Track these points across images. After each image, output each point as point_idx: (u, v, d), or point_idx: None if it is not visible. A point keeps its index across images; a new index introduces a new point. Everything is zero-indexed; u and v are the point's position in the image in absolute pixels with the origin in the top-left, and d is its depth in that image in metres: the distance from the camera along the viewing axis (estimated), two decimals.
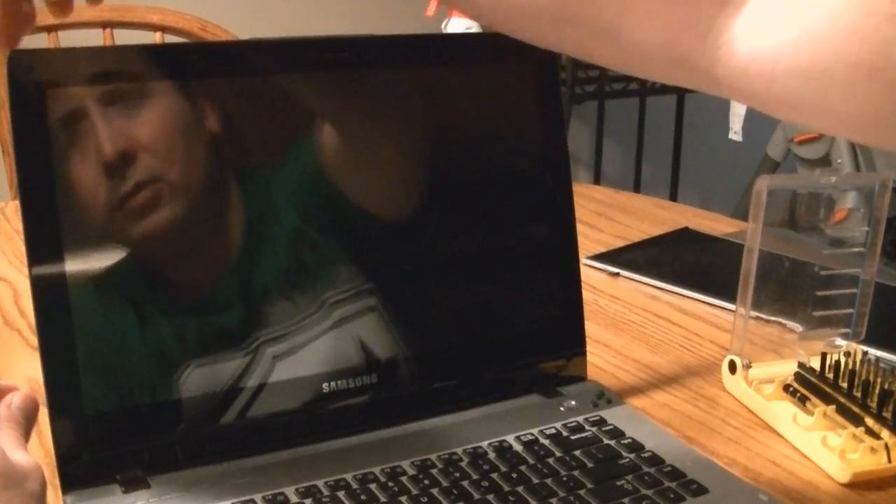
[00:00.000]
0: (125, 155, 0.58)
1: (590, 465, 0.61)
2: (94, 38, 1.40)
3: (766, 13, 0.40)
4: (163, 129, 0.59)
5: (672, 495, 0.58)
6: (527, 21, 0.46)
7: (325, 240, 0.63)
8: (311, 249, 0.63)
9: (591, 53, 0.46)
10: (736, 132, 2.25)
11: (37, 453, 0.60)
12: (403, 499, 0.57)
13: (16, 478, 0.47)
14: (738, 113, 2.22)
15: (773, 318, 0.76)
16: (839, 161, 2.08)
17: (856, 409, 0.67)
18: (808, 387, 0.71)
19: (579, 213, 0.71)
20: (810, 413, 0.68)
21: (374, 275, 0.64)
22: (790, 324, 0.76)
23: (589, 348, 0.72)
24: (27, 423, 0.51)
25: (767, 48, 0.40)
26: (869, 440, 0.64)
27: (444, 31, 1.58)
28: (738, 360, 0.73)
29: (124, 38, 1.43)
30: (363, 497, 0.57)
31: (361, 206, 0.64)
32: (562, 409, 0.68)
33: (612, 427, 0.65)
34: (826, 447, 0.64)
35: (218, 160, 0.62)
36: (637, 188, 2.97)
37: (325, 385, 0.63)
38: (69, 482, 0.56)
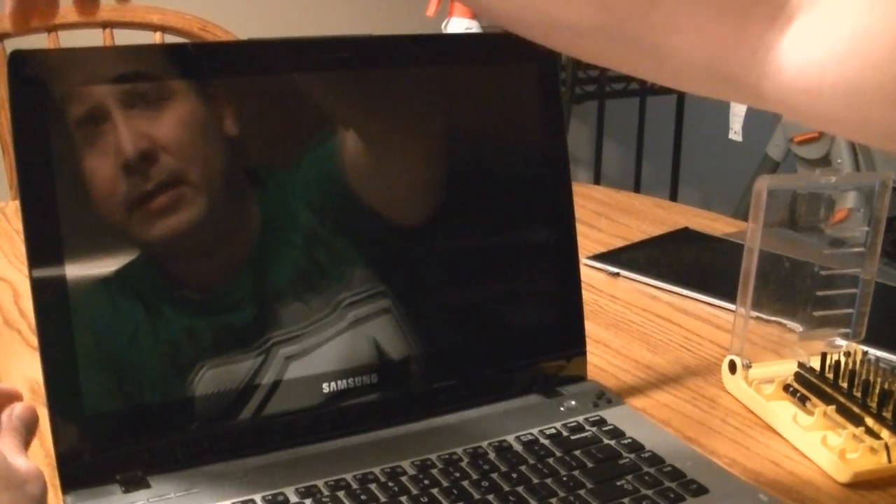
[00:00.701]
0: (132, 155, 0.58)
1: (590, 465, 0.61)
2: (94, 38, 1.40)
3: (814, 29, 0.40)
4: (170, 127, 0.59)
5: (672, 495, 0.58)
6: (573, 37, 0.46)
7: (338, 240, 0.63)
8: (327, 250, 0.63)
9: (635, 68, 0.47)
10: (736, 132, 2.25)
11: (37, 454, 0.60)
12: (403, 499, 0.57)
13: (15, 480, 0.48)
14: (738, 113, 2.22)
15: (773, 318, 0.76)
16: (839, 161, 2.08)
17: (856, 409, 0.67)
18: (808, 387, 0.71)
19: (579, 213, 0.71)
20: (810, 413, 0.68)
21: (383, 275, 0.64)
22: (790, 324, 0.76)
23: (589, 348, 0.72)
24: (27, 433, 0.52)
25: (814, 63, 0.40)
26: (869, 440, 0.64)
27: (445, 31, 1.57)
28: (738, 360, 0.73)
29: (124, 38, 1.43)
30: (363, 497, 0.57)
31: (370, 207, 0.64)
32: (562, 409, 0.68)
33: (612, 427, 0.65)
34: (826, 447, 0.64)
35: (230, 160, 0.62)
36: (637, 188, 2.97)
37: (326, 385, 0.63)
38: (69, 482, 0.56)
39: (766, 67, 0.41)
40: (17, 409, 0.52)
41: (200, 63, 0.61)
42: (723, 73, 0.42)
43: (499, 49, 0.69)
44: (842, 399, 0.68)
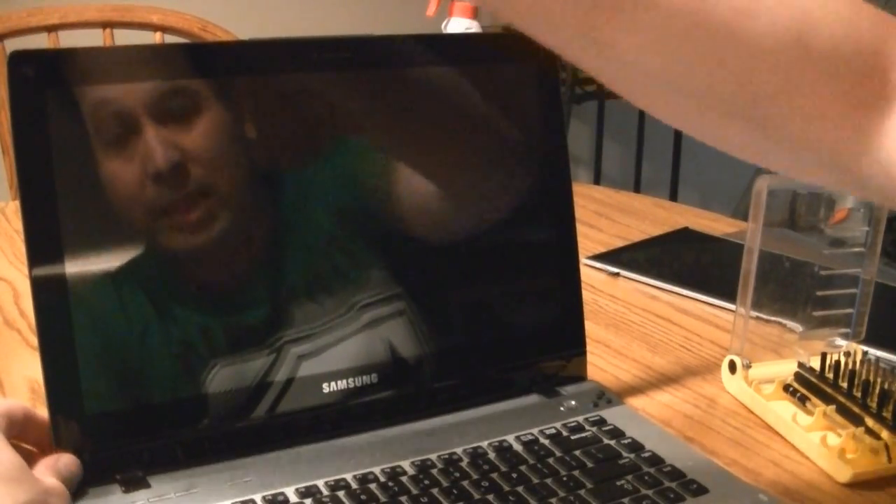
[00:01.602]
0: (140, 157, 0.58)
1: (590, 465, 0.61)
2: (94, 38, 1.40)
3: None
4: (196, 135, 0.59)
5: (672, 495, 0.58)
6: (672, 101, 0.46)
7: (355, 243, 0.63)
8: (343, 252, 0.63)
9: (728, 141, 0.47)
10: None
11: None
12: (403, 499, 0.57)
13: (38, 487, 0.51)
14: None
15: (773, 318, 0.76)
16: None
17: (856, 409, 0.67)
18: (808, 387, 0.71)
19: (579, 213, 0.71)
20: (810, 413, 0.68)
21: (397, 277, 0.64)
22: (790, 324, 0.76)
23: (589, 348, 0.72)
24: (67, 481, 0.54)
25: None
26: (869, 440, 0.64)
27: (445, 31, 1.57)
28: (738, 360, 0.73)
29: (124, 38, 1.43)
30: (363, 497, 0.57)
31: (384, 208, 0.64)
32: (562, 409, 0.68)
33: (612, 427, 0.65)
34: (826, 447, 0.64)
35: (247, 164, 0.62)
36: (637, 188, 2.97)
37: (325, 385, 0.63)
38: None
39: (868, 150, 0.41)
40: (64, 457, 0.55)
41: (204, 63, 0.61)
42: (830, 157, 0.43)
43: (499, 49, 0.69)
44: (842, 399, 0.68)
